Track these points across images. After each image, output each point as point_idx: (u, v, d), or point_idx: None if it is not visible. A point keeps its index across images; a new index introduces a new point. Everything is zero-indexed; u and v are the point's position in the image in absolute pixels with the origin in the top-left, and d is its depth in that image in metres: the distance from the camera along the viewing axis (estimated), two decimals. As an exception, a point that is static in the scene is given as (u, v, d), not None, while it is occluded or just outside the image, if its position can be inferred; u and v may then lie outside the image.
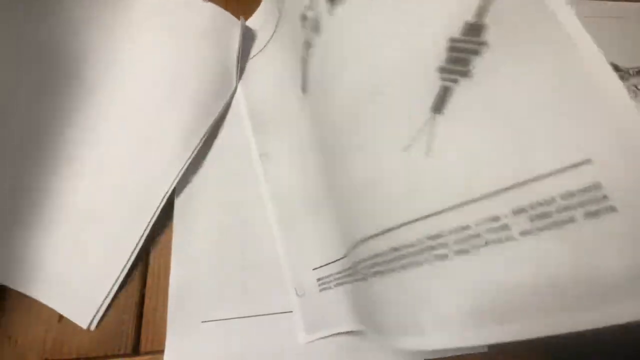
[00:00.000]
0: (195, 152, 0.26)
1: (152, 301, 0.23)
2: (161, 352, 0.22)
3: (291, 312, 0.23)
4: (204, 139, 0.26)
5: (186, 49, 0.27)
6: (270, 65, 0.29)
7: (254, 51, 0.31)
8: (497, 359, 0.22)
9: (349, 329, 0.22)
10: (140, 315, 0.23)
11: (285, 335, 0.22)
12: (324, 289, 0.23)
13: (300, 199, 0.25)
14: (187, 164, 0.25)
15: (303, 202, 0.25)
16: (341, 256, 0.22)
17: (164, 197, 0.24)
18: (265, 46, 0.30)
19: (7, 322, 0.22)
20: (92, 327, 0.22)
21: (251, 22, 0.31)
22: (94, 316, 0.22)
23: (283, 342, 0.22)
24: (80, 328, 0.22)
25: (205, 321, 0.23)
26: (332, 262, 0.23)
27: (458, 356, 0.22)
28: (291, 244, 0.25)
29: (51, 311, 0.23)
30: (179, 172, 0.25)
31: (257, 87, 0.29)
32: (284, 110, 0.27)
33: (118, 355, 0.22)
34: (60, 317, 0.23)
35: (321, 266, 0.23)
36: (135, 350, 0.22)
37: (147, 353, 0.22)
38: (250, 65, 0.30)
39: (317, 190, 0.24)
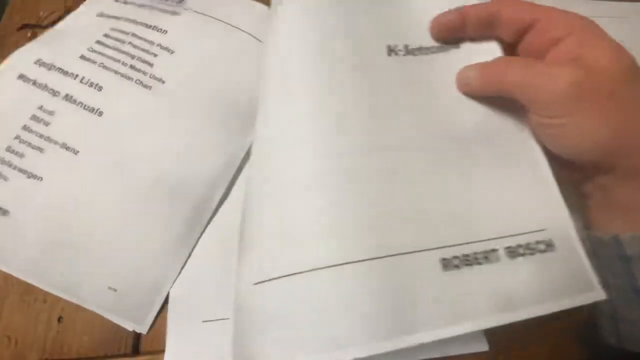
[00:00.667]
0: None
1: (152, 301, 0.23)
2: (161, 352, 0.22)
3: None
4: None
5: None
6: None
7: None
8: (498, 359, 0.23)
9: None
10: (140, 315, 0.23)
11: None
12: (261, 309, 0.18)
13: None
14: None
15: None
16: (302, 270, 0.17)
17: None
18: None
19: (7, 322, 0.22)
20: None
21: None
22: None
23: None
24: (80, 328, 0.22)
25: (205, 321, 0.23)
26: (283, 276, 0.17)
27: (458, 356, 0.22)
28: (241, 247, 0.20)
29: (51, 311, 0.23)
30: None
31: None
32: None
33: (118, 355, 0.22)
34: (60, 317, 0.23)
35: (264, 281, 0.18)
36: (135, 350, 0.22)
37: (147, 353, 0.22)
38: None
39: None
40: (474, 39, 0.23)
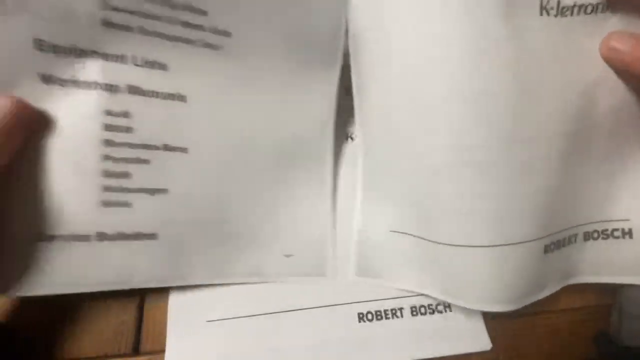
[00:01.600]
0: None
1: (153, 300, 0.23)
2: (162, 352, 0.22)
3: (295, 310, 0.23)
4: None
5: None
6: None
7: None
8: (499, 359, 0.23)
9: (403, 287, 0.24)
10: (140, 315, 0.23)
11: (289, 334, 0.22)
12: (395, 245, 0.24)
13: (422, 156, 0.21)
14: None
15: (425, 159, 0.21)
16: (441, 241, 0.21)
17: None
18: None
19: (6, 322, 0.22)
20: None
21: None
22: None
23: (286, 340, 0.22)
24: (80, 328, 0.22)
25: (207, 321, 0.22)
26: (421, 238, 0.22)
27: (459, 355, 0.22)
28: (372, 191, 0.25)
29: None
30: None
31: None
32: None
33: (118, 355, 0.22)
34: (60, 316, 0.23)
35: (400, 232, 0.24)
36: (136, 350, 0.22)
37: (147, 353, 0.22)
38: None
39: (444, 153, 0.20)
40: None
